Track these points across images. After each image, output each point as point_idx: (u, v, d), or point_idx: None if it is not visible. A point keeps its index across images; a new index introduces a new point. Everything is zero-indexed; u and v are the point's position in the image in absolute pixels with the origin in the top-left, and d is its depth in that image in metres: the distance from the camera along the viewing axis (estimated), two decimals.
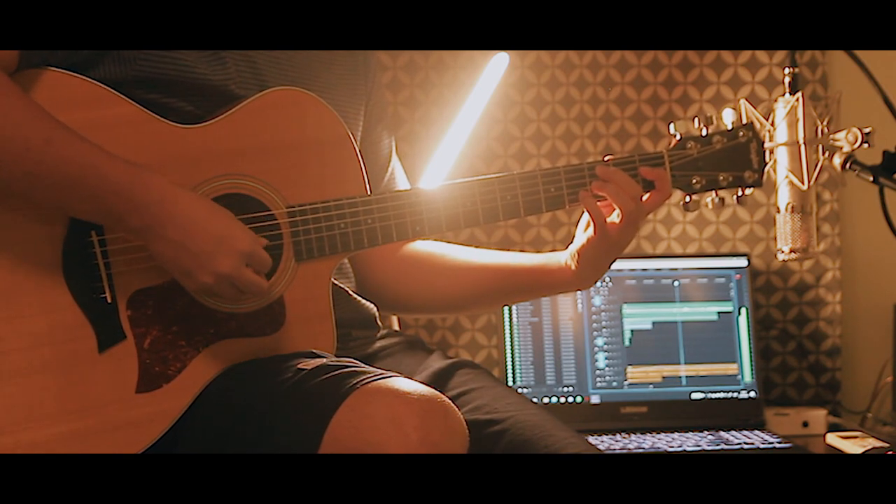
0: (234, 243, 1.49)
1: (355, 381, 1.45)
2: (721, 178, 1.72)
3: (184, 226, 1.48)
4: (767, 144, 1.74)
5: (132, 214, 1.47)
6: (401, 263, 1.84)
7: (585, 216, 1.70)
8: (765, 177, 1.73)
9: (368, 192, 1.64)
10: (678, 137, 1.72)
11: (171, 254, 1.48)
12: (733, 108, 1.73)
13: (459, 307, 1.94)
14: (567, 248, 1.73)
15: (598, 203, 1.66)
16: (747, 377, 2.55)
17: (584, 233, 1.70)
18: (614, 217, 1.66)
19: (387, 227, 1.63)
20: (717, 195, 1.73)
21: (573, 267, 1.72)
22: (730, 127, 1.72)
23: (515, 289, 1.81)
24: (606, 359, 2.53)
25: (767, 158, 1.73)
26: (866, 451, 2.25)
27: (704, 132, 1.72)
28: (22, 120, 1.44)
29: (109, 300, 1.52)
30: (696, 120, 1.72)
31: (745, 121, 1.73)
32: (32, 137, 1.44)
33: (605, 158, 1.68)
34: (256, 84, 1.63)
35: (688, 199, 1.72)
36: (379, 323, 1.82)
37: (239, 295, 1.53)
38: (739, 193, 1.73)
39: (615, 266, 1.75)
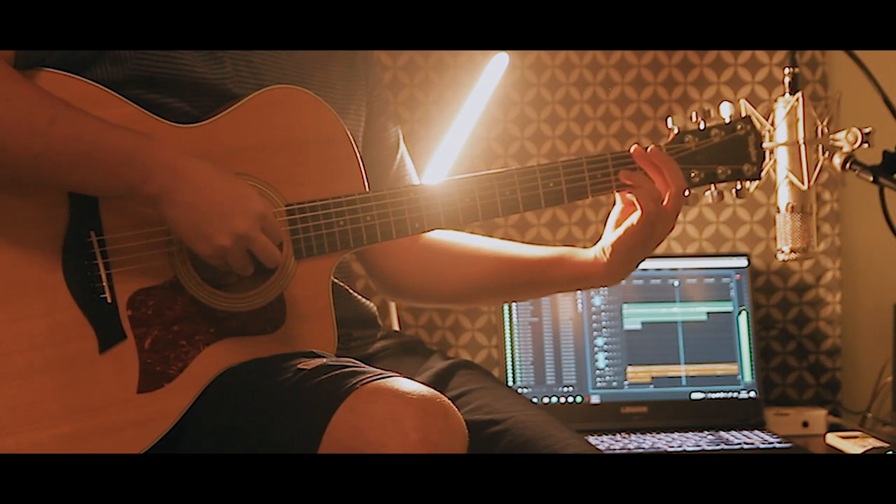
0: (248, 203, 1.50)
1: (355, 381, 1.45)
2: (720, 171, 1.72)
3: (198, 188, 1.48)
4: (768, 144, 1.74)
5: (145, 182, 1.47)
6: (423, 252, 1.83)
7: (614, 213, 1.70)
8: (764, 171, 1.73)
9: (367, 190, 1.64)
10: (676, 132, 1.72)
11: (187, 217, 1.48)
12: (730, 103, 1.73)
13: (485, 296, 1.92)
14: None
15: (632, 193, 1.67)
16: (747, 377, 2.55)
17: (619, 226, 1.69)
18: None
19: (386, 224, 1.63)
20: (715, 189, 1.73)
21: (605, 260, 1.71)
22: (727, 120, 1.72)
23: (541, 280, 1.78)
24: (606, 359, 2.53)
25: (767, 157, 1.74)
26: (866, 451, 2.25)
27: (702, 126, 1.72)
28: (25, 103, 1.44)
29: (109, 300, 1.52)
30: (694, 114, 1.72)
31: (742, 114, 1.73)
32: (37, 119, 1.44)
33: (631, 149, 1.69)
34: (254, 83, 1.63)
35: (686, 192, 1.72)
36: (379, 322, 1.82)
37: (250, 265, 1.52)
38: (738, 187, 1.74)
39: None
